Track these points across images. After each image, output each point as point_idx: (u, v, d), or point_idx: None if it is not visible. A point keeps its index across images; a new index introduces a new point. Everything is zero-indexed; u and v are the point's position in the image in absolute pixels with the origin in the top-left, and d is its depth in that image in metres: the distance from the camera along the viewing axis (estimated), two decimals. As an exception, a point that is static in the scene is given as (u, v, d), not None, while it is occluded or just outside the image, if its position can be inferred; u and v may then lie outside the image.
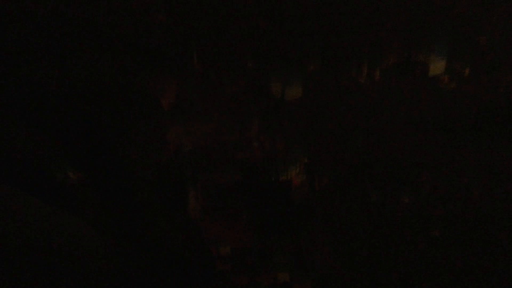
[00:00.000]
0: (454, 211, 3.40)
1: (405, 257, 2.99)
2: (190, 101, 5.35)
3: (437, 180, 3.83)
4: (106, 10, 6.73)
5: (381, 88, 6.24)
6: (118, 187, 2.44)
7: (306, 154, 3.67)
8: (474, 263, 2.89)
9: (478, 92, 6.04)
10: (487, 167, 4.03)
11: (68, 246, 2.14)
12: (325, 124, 4.87)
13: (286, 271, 2.62)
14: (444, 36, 7.35)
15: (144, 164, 2.52)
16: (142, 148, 2.49)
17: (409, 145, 4.42)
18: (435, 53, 6.96)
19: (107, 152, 2.43)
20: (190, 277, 2.56)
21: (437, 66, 6.62)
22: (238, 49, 7.09)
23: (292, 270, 2.60)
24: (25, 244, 2.07)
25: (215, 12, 7.64)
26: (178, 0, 7.89)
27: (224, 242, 2.72)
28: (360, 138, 4.51)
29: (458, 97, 5.86)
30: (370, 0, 8.20)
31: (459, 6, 8.23)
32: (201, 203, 2.96)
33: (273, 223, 2.84)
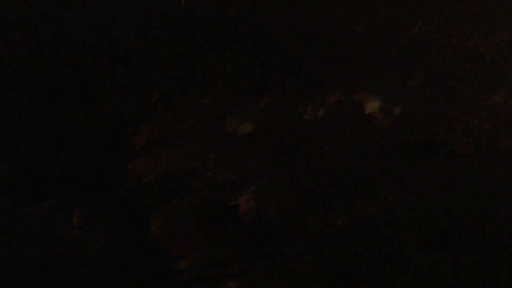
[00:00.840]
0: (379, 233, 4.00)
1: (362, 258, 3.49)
2: (152, 136, 5.78)
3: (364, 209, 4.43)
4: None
5: (323, 122, 6.94)
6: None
7: (255, 182, 4.15)
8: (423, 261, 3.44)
9: (408, 128, 6.86)
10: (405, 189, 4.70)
11: (77, 249, 2.47)
12: (275, 155, 5.41)
13: (233, 280, 3.04)
14: (380, 79, 8.28)
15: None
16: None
17: (344, 171, 5.02)
18: (371, 93, 7.85)
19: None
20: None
21: (372, 105, 7.46)
22: (196, 87, 7.64)
23: (240, 281, 3.01)
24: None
25: (175, 51, 8.20)
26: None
27: (183, 257, 3.10)
28: (304, 168, 5.08)
29: (388, 132, 6.64)
30: (318, 46, 9.11)
31: (392, 51, 9.27)
32: (160, 226, 3.34)
33: (224, 241, 3.27)
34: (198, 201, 3.62)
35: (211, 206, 3.58)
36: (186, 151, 5.05)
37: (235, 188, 3.90)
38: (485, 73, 8.77)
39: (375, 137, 6.19)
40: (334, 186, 4.77)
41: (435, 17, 10.79)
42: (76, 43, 6.34)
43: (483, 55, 9.49)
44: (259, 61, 7.90)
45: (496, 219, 4.27)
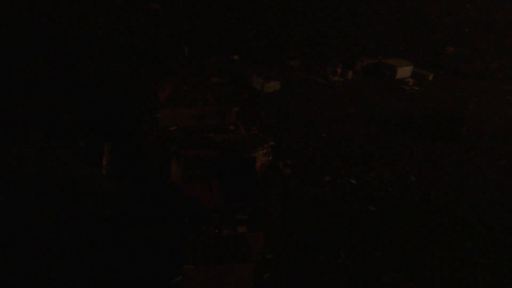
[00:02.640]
0: (392, 193, 4.08)
1: (344, 225, 3.64)
2: (179, 89, 5.96)
3: (382, 168, 4.49)
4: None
5: (352, 87, 6.91)
6: (132, 149, 3.20)
7: (274, 138, 4.30)
8: (401, 234, 3.56)
9: (438, 96, 6.73)
10: (427, 160, 4.71)
11: (87, 185, 2.79)
12: (297, 114, 5.51)
13: (244, 225, 3.27)
14: (414, 44, 8.07)
15: (149, 134, 3.21)
16: (148, 123, 3.17)
17: (365, 137, 5.07)
18: (404, 58, 7.67)
19: (126, 126, 3.16)
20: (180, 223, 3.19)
21: (404, 70, 7.33)
22: (226, 44, 7.72)
23: (249, 225, 3.24)
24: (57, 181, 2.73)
25: (205, 9, 8.28)
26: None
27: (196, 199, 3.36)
28: (324, 128, 5.16)
29: (420, 98, 6.53)
30: (349, 7, 8.93)
31: (431, 17, 9.00)
32: (181, 171, 3.58)
33: (238, 190, 3.48)
34: (219, 151, 3.81)
35: (231, 157, 3.78)
36: (211, 107, 5.20)
37: (255, 142, 4.06)
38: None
39: (403, 103, 6.14)
40: (349, 148, 4.84)
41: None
42: None
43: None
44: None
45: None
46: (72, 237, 3.00)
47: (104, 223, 3.05)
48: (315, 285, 3.09)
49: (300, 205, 3.76)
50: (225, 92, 6.05)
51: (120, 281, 2.98)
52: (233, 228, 3.22)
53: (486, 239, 3.57)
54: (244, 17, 7.99)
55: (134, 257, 3.01)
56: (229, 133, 4.51)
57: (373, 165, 4.54)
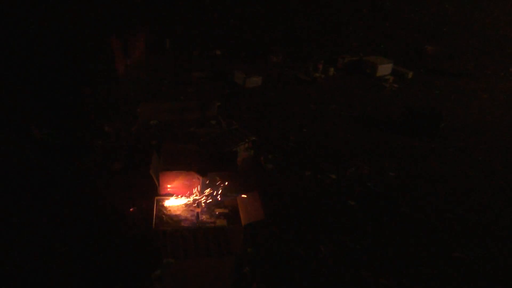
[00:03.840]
0: (371, 188, 4.13)
1: (325, 219, 3.67)
2: (160, 82, 5.89)
3: (361, 163, 4.54)
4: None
5: (332, 83, 6.95)
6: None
7: (256, 134, 4.29)
8: (381, 228, 3.61)
9: (417, 93, 6.82)
10: (406, 156, 4.78)
11: None
12: (278, 110, 5.51)
13: (223, 218, 3.26)
14: (394, 42, 8.14)
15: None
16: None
17: (345, 134, 5.10)
18: (384, 56, 7.74)
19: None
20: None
21: (385, 68, 7.41)
22: (208, 39, 7.65)
23: (229, 219, 3.23)
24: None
25: (187, 3, 8.16)
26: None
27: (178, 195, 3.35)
28: (305, 124, 5.17)
29: (399, 96, 6.62)
30: (331, 5, 8.95)
31: (412, 16, 9.07)
32: (161, 164, 3.54)
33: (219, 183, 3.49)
34: (200, 146, 3.80)
35: (212, 150, 3.75)
36: (193, 101, 5.16)
37: (237, 139, 4.05)
38: (502, 48, 8.58)
39: (382, 101, 6.21)
40: (330, 145, 4.87)
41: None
42: None
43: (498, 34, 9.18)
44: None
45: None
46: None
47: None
48: (295, 278, 3.12)
49: (281, 199, 3.78)
50: (206, 86, 6.02)
51: (102, 277, 2.95)
52: (213, 221, 3.21)
53: (462, 233, 3.65)
54: (227, 12, 7.96)
55: (115, 251, 2.99)
56: (211, 127, 4.50)
57: (353, 160, 4.59)
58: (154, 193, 3.41)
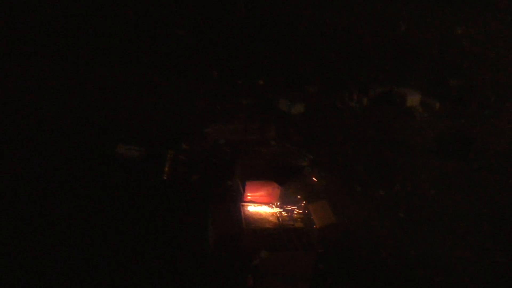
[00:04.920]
0: (416, 204, 4.67)
1: (380, 228, 4.19)
2: (221, 108, 6.54)
3: (404, 182, 5.09)
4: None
5: (367, 112, 7.58)
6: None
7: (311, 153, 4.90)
8: (422, 236, 4.15)
9: (445, 122, 7.44)
10: (442, 176, 5.33)
11: None
12: (323, 134, 6.12)
13: (300, 222, 3.83)
14: (422, 75, 8.82)
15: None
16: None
17: (385, 156, 5.67)
18: (413, 88, 8.39)
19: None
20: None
21: (414, 99, 8.05)
22: (252, 69, 8.39)
23: (304, 222, 3.78)
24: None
25: (231, 36, 8.97)
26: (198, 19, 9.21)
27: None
28: (349, 147, 5.76)
29: (429, 124, 7.23)
30: (363, 41, 9.74)
31: (435, 52, 9.80)
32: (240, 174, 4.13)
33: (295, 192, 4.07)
34: (269, 161, 4.39)
35: (276, 165, 4.34)
36: (251, 124, 5.76)
37: (297, 155, 4.64)
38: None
39: (414, 129, 6.80)
40: (374, 166, 5.44)
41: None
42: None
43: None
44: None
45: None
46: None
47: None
48: (359, 277, 3.62)
49: (339, 210, 4.31)
50: (254, 113, 6.65)
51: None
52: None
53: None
54: (266, 44, 8.73)
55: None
56: (272, 147, 5.09)
57: (395, 180, 5.15)
58: (234, 200, 3.98)
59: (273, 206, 3.84)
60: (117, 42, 7.93)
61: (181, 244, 3.77)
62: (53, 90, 6.27)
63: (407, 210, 4.50)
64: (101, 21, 8.30)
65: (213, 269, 3.47)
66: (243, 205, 3.81)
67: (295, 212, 3.82)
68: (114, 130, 5.10)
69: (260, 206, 3.84)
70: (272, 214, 3.78)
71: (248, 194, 3.96)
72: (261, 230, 3.51)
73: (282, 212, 3.81)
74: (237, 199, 3.88)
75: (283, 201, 3.89)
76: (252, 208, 3.81)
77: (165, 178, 4.58)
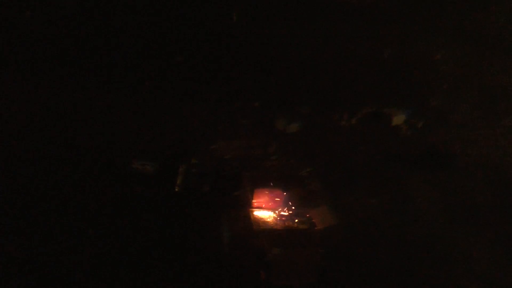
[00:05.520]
0: (405, 210, 5.18)
1: (370, 232, 4.67)
2: (222, 128, 7.03)
3: (395, 193, 5.61)
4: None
5: (356, 130, 8.18)
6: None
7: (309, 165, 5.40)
8: (410, 236, 4.63)
9: (428, 139, 8.07)
10: (426, 188, 5.86)
11: None
12: (319, 151, 6.64)
13: (304, 224, 4.27)
14: (405, 97, 9.53)
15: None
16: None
17: (383, 170, 6.20)
18: (398, 108, 9.09)
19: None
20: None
21: (398, 118, 8.69)
22: (247, 92, 8.96)
23: (307, 224, 4.22)
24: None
25: (228, 62, 9.66)
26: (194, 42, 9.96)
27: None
28: (344, 160, 6.28)
29: (413, 141, 7.84)
30: (351, 66, 10.53)
31: (417, 75, 10.61)
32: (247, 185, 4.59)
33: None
34: (272, 173, 4.87)
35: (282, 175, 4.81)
36: (249, 141, 6.27)
37: (295, 168, 5.12)
38: (497, 100, 9.96)
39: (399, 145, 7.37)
40: (356, 180, 5.96)
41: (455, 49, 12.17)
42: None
43: (495, 86, 10.72)
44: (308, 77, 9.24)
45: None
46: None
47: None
48: (357, 273, 4.06)
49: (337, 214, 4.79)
50: (254, 131, 7.14)
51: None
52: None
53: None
54: (261, 70, 9.32)
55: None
56: (274, 160, 5.58)
57: (386, 189, 5.67)
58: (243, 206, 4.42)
59: (279, 211, 4.29)
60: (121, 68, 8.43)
61: (198, 246, 4.18)
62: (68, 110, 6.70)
63: (398, 215, 4.99)
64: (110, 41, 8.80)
65: (229, 268, 3.87)
66: (252, 211, 4.26)
67: (298, 215, 4.28)
68: (128, 148, 5.54)
69: (267, 211, 4.29)
70: (278, 218, 4.23)
71: (256, 200, 4.41)
72: (270, 231, 3.95)
73: (287, 216, 4.26)
74: (246, 206, 4.32)
75: (287, 206, 4.34)
76: (260, 213, 4.26)
77: (177, 189, 5.00)
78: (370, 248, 4.23)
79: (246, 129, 7.11)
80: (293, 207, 4.39)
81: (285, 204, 4.40)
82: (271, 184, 4.56)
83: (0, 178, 4.84)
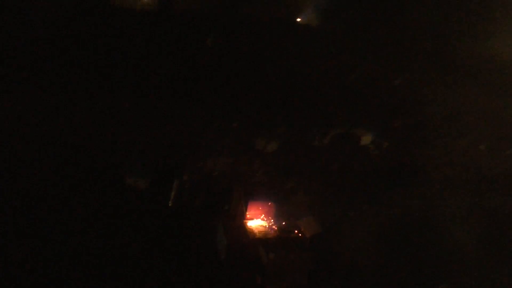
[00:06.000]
0: (379, 219, 5.74)
1: (349, 238, 5.18)
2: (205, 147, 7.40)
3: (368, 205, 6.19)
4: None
5: (329, 149, 8.78)
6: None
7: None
8: (385, 241, 5.18)
9: (393, 157, 8.76)
10: (394, 200, 6.49)
11: None
12: (297, 167, 7.15)
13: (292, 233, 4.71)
14: (371, 119, 10.29)
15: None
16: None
17: (336, 186, 6.78)
18: (365, 129, 9.79)
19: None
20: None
21: (366, 138, 9.39)
22: (225, 113, 9.41)
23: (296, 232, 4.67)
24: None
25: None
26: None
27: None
28: (320, 176, 6.82)
29: (379, 159, 8.50)
30: (322, 91, 11.26)
31: (382, 98, 11.46)
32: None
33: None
34: (258, 187, 5.30)
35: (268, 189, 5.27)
36: (234, 159, 6.71)
37: (280, 183, 5.60)
38: (452, 124, 10.91)
39: (368, 162, 8.02)
40: (335, 194, 6.51)
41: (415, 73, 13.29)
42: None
43: (451, 109, 11.79)
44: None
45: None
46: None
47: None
48: (341, 273, 4.52)
49: (322, 223, 5.27)
50: (236, 150, 7.58)
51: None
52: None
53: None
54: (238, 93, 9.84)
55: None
56: (259, 176, 6.03)
57: (359, 202, 6.22)
58: (237, 218, 4.81)
59: (270, 221, 4.73)
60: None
61: (195, 254, 4.51)
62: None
63: (374, 224, 5.54)
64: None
65: (227, 273, 4.23)
66: (246, 222, 4.66)
67: (288, 225, 4.72)
68: (122, 165, 5.84)
69: (260, 222, 4.70)
70: (270, 228, 4.65)
71: (249, 213, 4.82)
72: (264, 239, 4.37)
73: (278, 226, 4.70)
74: (241, 217, 4.72)
75: (277, 217, 4.78)
76: (254, 223, 4.66)
77: (170, 204, 5.34)
78: (353, 252, 4.72)
79: (229, 148, 7.54)
80: (283, 218, 4.82)
81: (275, 215, 4.83)
82: (260, 197, 4.98)
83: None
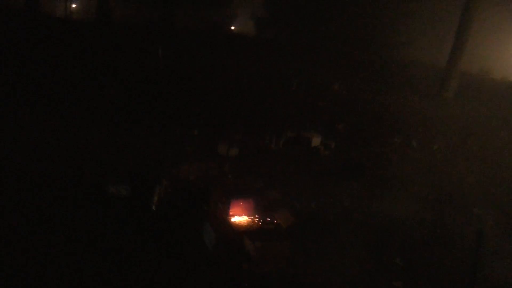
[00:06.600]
0: (335, 211, 6.55)
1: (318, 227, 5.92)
2: (173, 154, 7.84)
3: (327, 196, 7.00)
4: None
5: (283, 151, 9.54)
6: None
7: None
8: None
9: (341, 156, 9.69)
10: (348, 192, 7.36)
11: None
12: (261, 169, 7.82)
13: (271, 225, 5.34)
14: (320, 123, 11.14)
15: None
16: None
17: (305, 182, 7.55)
18: (315, 132, 10.67)
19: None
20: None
21: (316, 140, 10.28)
22: (186, 122, 9.84)
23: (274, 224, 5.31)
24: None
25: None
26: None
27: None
28: (279, 176, 7.54)
29: (329, 159, 9.39)
30: (274, 99, 12.12)
31: (326, 104, 12.60)
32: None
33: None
34: (230, 189, 5.91)
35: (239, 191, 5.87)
36: (206, 164, 7.21)
37: (251, 182, 6.22)
38: (389, 123, 12.16)
39: (319, 162, 8.89)
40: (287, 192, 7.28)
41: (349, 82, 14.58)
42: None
43: (383, 111, 13.08)
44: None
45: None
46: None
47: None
48: (317, 257, 5.23)
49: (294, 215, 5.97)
50: (200, 156, 8.10)
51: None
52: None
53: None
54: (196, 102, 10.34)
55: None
56: (231, 178, 6.60)
57: (313, 196, 7.01)
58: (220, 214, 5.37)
59: (251, 216, 5.33)
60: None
61: (183, 250, 5.00)
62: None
63: (332, 214, 6.34)
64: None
65: (216, 264, 4.77)
66: (230, 218, 5.22)
67: (266, 218, 5.35)
68: (102, 173, 6.14)
69: (242, 217, 5.28)
70: (251, 221, 5.25)
71: (231, 210, 5.39)
72: (249, 231, 4.96)
73: (258, 219, 5.31)
74: (223, 214, 5.27)
75: (257, 212, 5.39)
76: (237, 219, 5.23)
77: (154, 208, 5.76)
78: (321, 238, 5.47)
79: (196, 154, 8.03)
80: (262, 212, 5.43)
81: (254, 211, 5.41)
82: (239, 195, 5.55)
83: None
